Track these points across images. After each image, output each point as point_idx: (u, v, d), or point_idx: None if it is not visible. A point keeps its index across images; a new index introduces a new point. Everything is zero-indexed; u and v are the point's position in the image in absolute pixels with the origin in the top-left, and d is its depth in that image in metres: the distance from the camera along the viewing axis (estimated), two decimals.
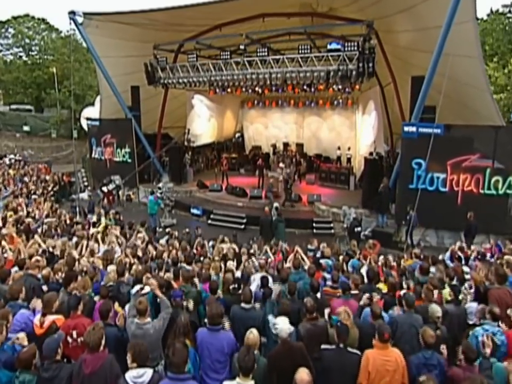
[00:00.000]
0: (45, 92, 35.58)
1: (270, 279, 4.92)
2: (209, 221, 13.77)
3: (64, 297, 4.22)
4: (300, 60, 12.51)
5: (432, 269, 5.85)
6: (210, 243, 8.97)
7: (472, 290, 4.58)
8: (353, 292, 4.47)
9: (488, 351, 3.08)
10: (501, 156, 10.21)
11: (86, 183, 19.67)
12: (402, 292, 4.31)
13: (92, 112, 21.40)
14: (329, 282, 5.23)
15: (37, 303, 3.95)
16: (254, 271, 5.63)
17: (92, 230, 8.63)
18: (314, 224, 12.93)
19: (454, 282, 4.95)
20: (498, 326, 3.56)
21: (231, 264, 6.00)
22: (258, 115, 22.67)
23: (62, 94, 34.30)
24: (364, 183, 14.11)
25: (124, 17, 14.00)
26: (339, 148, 19.14)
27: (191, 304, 4.04)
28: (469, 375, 2.73)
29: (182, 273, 4.79)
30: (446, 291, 4.57)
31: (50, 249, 6.75)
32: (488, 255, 7.36)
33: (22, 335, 3.27)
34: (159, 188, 13.91)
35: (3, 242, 6.44)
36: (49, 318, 3.55)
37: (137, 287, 4.26)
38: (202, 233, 10.20)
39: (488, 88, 10.59)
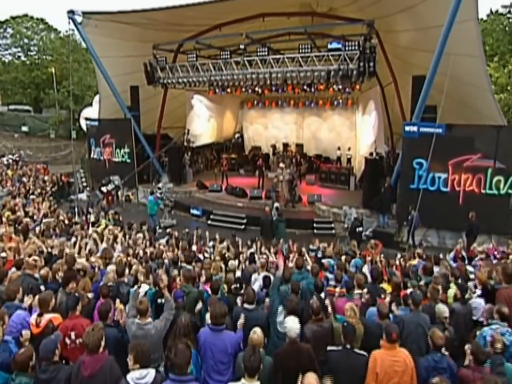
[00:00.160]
0: (44, 92, 35.49)
1: (273, 279, 4.85)
2: (209, 222, 13.69)
3: (62, 298, 4.14)
4: (300, 59, 12.45)
5: (436, 269, 5.79)
6: (211, 243, 8.89)
7: (478, 290, 4.52)
8: (357, 291, 4.40)
9: (499, 346, 3.01)
10: (503, 156, 10.16)
11: (84, 184, 19.55)
12: (408, 291, 4.23)
13: (92, 112, 21.30)
14: (332, 282, 5.17)
15: (29, 301, 3.86)
16: (254, 271, 5.55)
17: (91, 230, 8.54)
18: (314, 225, 12.86)
19: (459, 281, 4.88)
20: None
21: (232, 264, 5.92)
22: (258, 115, 22.61)
23: (61, 94, 34.21)
24: (365, 183, 14.05)
25: (123, 16, 13.94)
26: (339, 148, 19.09)
27: (199, 306, 3.96)
28: (482, 376, 2.65)
29: (183, 273, 4.71)
30: (452, 291, 4.50)
31: (49, 249, 6.67)
32: (492, 255, 7.31)
33: (27, 332, 3.23)
34: (159, 188, 13.82)
35: (0, 243, 6.34)
36: (46, 317, 3.47)
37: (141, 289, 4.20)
38: (202, 234, 10.11)
39: (490, 87, 10.55)
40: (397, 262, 7.06)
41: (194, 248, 8.10)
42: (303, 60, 12.41)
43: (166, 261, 6.46)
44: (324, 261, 6.22)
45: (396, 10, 11.21)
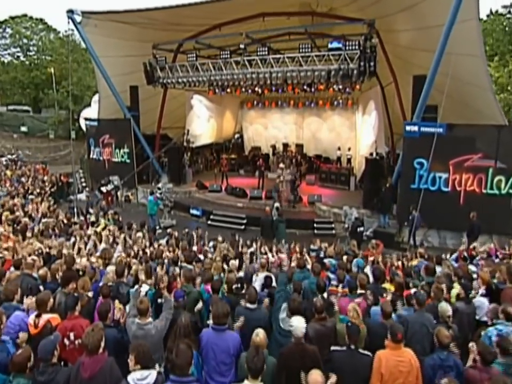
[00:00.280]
0: (43, 93, 35.42)
1: (274, 279, 4.80)
2: (209, 222, 13.63)
3: (61, 298, 4.08)
4: (300, 59, 12.41)
5: (438, 269, 5.75)
6: (211, 243, 8.85)
7: (481, 289, 4.47)
8: (359, 291, 4.35)
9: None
10: (504, 156, 10.13)
11: (84, 184, 19.50)
12: (412, 291, 4.19)
13: (91, 112, 21.25)
14: (333, 282, 5.12)
15: (29, 302, 3.81)
16: (255, 271, 5.50)
17: (90, 230, 8.49)
18: (315, 225, 12.81)
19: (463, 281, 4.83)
20: None
21: (233, 264, 5.88)
22: (257, 116, 22.57)
23: (60, 95, 34.16)
24: (365, 183, 14.01)
25: (123, 16, 13.89)
26: (339, 149, 19.06)
27: (199, 305, 3.91)
28: (490, 377, 2.60)
29: (183, 273, 4.66)
30: (455, 290, 4.46)
31: (47, 250, 6.61)
32: (493, 255, 7.28)
33: (24, 334, 3.16)
34: (159, 188, 13.77)
35: None
36: (44, 318, 3.41)
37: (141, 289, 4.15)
38: (202, 234, 10.06)
39: (491, 87, 10.53)
40: (396, 262, 7.01)
41: (194, 248, 8.06)
42: (303, 59, 12.37)
43: (165, 261, 6.40)
44: (325, 260, 6.17)
45: (396, 9, 11.19)
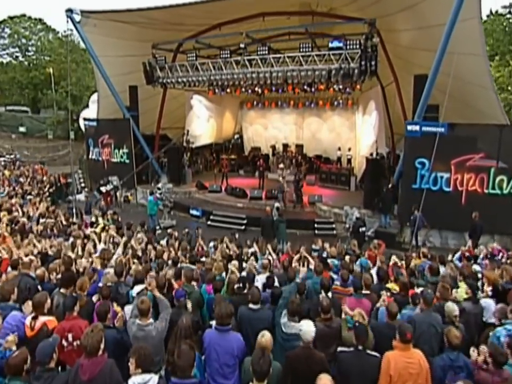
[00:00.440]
0: (42, 93, 35.30)
1: (276, 279, 4.72)
2: (209, 222, 13.55)
3: (59, 299, 3.98)
4: (301, 58, 12.35)
5: (442, 269, 5.68)
6: (211, 244, 8.76)
7: (488, 290, 4.40)
8: (364, 291, 4.27)
9: None
10: (506, 155, 10.08)
11: (83, 184, 19.38)
12: (419, 290, 4.11)
13: (90, 113, 21.15)
14: (337, 282, 5.04)
15: (28, 306, 3.70)
16: (256, 272, 5.42)
17: (89, 230, 8.39)
18: (316, 225, 12.75)
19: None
20: None
21: (234, 264, 5.78)
22: (257, 116, 22.50)
23: (59, 95, 34.06)
24: (366, 184, 13.95)
25: (122, 15, 13.83)
26: (339, 149, 19.00)
27: (189, 305, 3.81)
28: (502, 380, 2.51)
29: (184, 273, 4.58)
30: (461, 290, 4.38)
31: (44, 250, 6.52)
32: (497, 254, 7.20)
33: (11, 338, 2.99)
34: (159, 189, 13.69)
35: None
36: (41, 320, 3.30)
37: (137, 288, 4.05)
38: (203, 234, 9.97)
39: (493, 86, 10.49)
40: (400, 262, 6.91)
41: (196, 250, 7.96)
42: (303, 59, 12.31)
43: (168, 261, 6.30)
44: (328, 260, 6.09)
45: (397, 9, 11.14)
